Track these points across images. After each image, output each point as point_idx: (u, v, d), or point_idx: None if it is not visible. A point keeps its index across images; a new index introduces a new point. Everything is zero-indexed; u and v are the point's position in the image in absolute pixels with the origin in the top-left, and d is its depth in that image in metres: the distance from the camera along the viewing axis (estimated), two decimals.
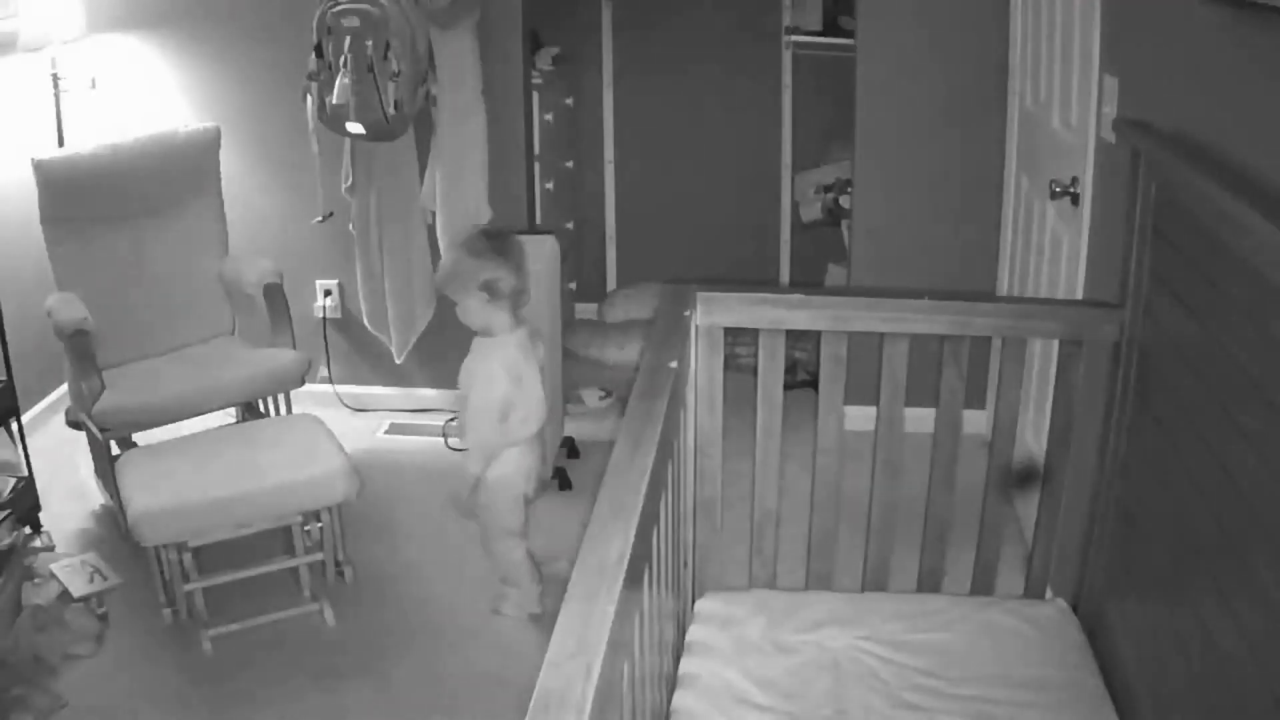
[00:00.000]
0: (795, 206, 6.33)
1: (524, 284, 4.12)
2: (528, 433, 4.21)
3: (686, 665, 3.09)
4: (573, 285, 6.56)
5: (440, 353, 5.72)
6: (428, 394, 6.04)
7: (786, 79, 6.31)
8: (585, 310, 6.82)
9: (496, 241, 4.11)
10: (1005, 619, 3.21)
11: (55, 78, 5.67)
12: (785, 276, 6.54)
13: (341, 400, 6.06)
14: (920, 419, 3.44)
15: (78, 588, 4.61)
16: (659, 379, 2.88)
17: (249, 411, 5.46)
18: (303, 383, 5.13)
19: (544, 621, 4.23)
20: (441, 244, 5.36)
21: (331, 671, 4.21)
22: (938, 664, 3.01)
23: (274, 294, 5.13)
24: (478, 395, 4.11)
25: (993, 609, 3.27)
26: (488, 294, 4.03)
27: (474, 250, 4.08)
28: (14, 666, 4.23)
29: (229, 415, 5.55)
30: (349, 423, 5.90)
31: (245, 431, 4.86)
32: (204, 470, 4.35)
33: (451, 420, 4.43)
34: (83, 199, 5.19)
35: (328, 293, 6.02)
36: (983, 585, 3.46)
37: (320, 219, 5.66)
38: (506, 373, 4.09)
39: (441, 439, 5.80)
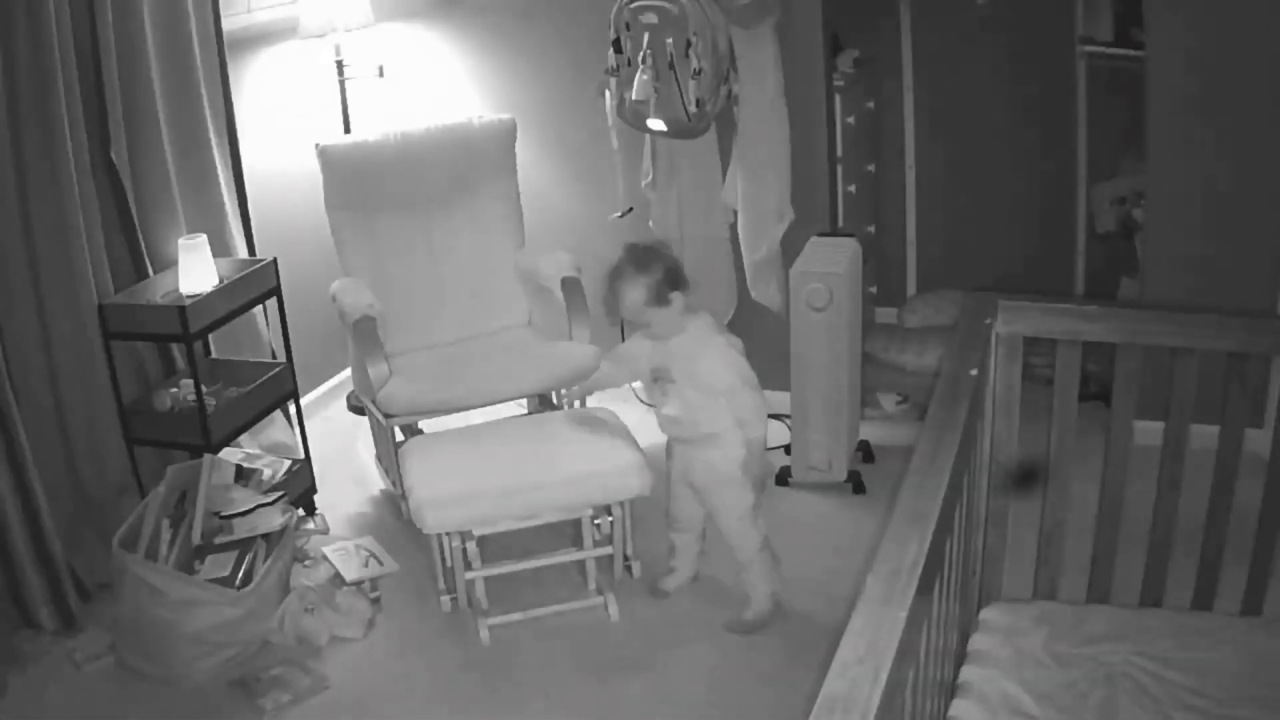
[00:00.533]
0: (1090, 217, 6.22)
1: (681, 271, 4.13)
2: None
3: (966, 674, 3.06)
4: (873, 289, 6.52)
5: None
6: None
7: (1080, 88, 6.19)
8: (884, 314, 6.76)
9: (636, 255, 4.09)
10: (1273, 641, 3.12)
11: (340, 65, 5.81)
12: (1079, 287, 6.42)
13: (636, 395, 6.05)
14: (1205, 436, 3.36)
15: (350, 572, 4.73)
16: (959, 386, 2.86)
17: (542, 404, 5.52)
18: None
19: (828, 626, 4.22)
20: (743, 243, 5.38)
21: (610, 666, 4.23)
22: (1206, 683, 2.93)
23: (572, 288, 5.16)
24: (733, 371, 4.11)
25: (1262, 631, 3.19)
26: (658, 300, 4.04)
27: (625, 274, 4.05)
28: (277, 646, 4.37)
29: (520, 406, 5.61)
30: (643, 418, 5.90)
31: (536, 422, 4.86)
32: (492, 459, 4.39)
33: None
34: (370, 186, 5.32)
35: None
36: (1252, 605, 3.38)
37: (620, 214, 5.72)
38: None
39: None
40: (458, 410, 5.09)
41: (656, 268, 4.04)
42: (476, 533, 4.29)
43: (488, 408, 5.17)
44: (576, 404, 4.85)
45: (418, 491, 4.21)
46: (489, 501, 4.24)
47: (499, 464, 4.36)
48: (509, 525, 4.34)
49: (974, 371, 2.95)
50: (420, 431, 5.25)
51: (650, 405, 4.43)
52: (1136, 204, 5.64)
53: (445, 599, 4.50)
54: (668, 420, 4.29)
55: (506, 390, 5.08)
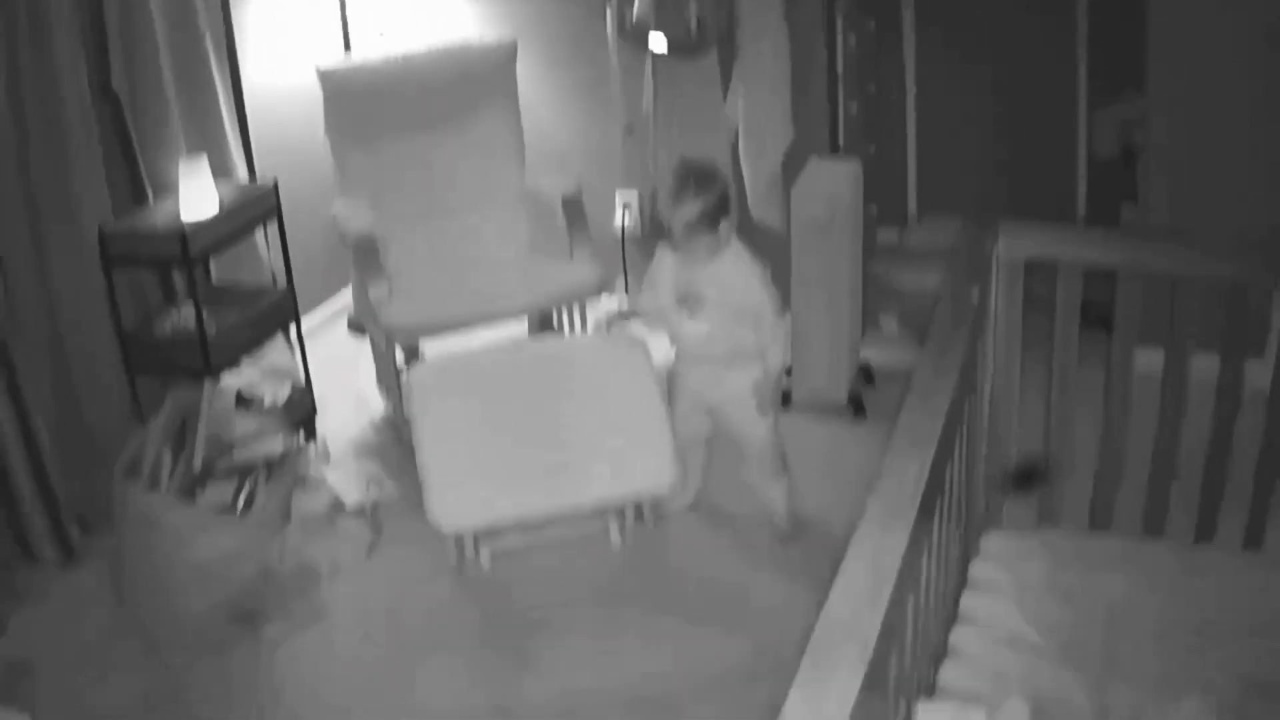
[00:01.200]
0: (1091, 142, 6.18)
1: (730, 197, 4.17)
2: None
3: (967, 602, 3.07)
4: (874, 210, 6.49)
5: None
6: None
7: (1081, 12, 6.12)
8: (885, 236, 6.74)
9: (700, 173, 4.08)
10: (1275, 576, 3.12)
11: None
12: (1080, 212, 6.39)
13: None
14: (1206, 366, 3.35)
15: (351, 496, 4.74)
16: (960, 309, 2.85)
17: (543, 324, 5.51)
18: (599, 295, 5.13)
19: (829, 549, 4.22)
20: (743, 163, 5.37)
21: (612, 592, 4.24)
22: (1206, 617, 2.94)
23: (573, 207, 5.12)
24: (768, 297, 4.14)
25: (1262, 565, 3.20)
26: (712, 223, 4.04)
27: (687, 191, 4.02)
28: (279, 574, 4.36)
29: (520, 323, 5.57)
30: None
31: (556, 369, 4.48)
32: (514, 467, 4.16)
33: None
34: (370, 108, 5.28)
35: (626, 206, 6.06)
36: (1254, 539, 3.37)
37: (622, 133, 5.72)
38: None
39: None
40: (458, 329, 5.04)
41: (716, 190, 4.05)
42: None
43: (490, 340, 5.07)
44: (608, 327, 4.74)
45: (435, 494, 4.07)
46: (511, 518, 4.17)
47: (521, 476, 4.14)
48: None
49: (975, 294, 2.94)
50: (420, 353, 5.21)
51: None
52: (1138, 129, 5.60)
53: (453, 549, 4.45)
54: (697, 339, 4.25)
55: (507, 308, 5.05)
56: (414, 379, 4.38)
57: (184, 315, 4.76)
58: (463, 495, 4.07)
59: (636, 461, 4.17)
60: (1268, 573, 3.12)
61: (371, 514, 4.66)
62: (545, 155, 5.84)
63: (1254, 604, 2.98)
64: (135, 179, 4.77)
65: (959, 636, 2.92)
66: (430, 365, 4.56)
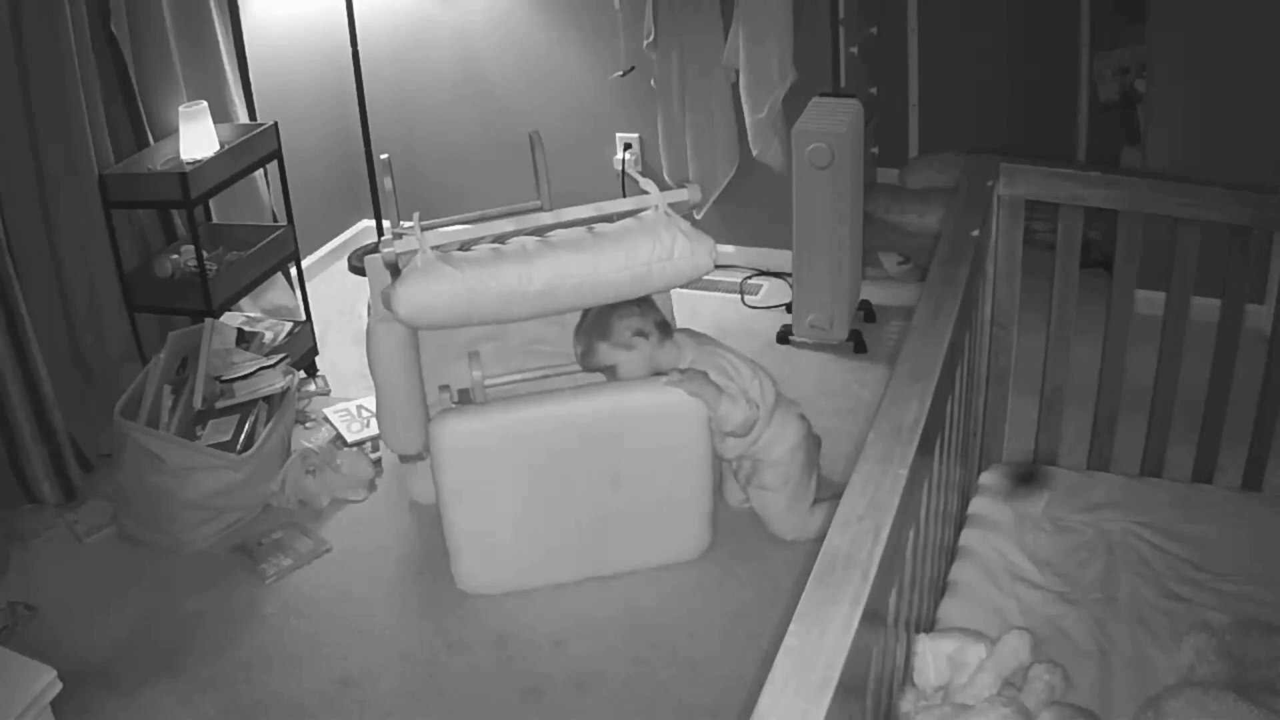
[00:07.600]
0: (1093, 86, 6.16)
1: (659, 314, 3.93)
2: (771, 401, 3.97)
3: (967, 537, 3.07)
4: (875, 150, 6.48)
5: (740, 209, 5.73)
6: (726, 250, 5.99)
7: None
8: (886, 175, 6.74)
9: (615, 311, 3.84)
10: (1274, 517, 3.12)
11: None
12: (1081, 156, 6.37)
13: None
14: (1206, 308, 3.34)
15: (351, 433, 4.76)
16: (961, 247, 2.84)
17: None
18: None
19: (830, 484, 4.24)
20: (745, 102, 5.36)
21: None
22: (1206, 557, 2.95)
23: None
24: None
25: (1262, 506, 3.19)
26: (644, 339, 3.83)
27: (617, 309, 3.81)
28: (279, 510, 4.40)
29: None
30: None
31: (600, 431, 3.81)
32: (545, 541, 3.93)
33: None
34: None
35: (628, 146, 6.03)
36: (1253, 481, 3.38)
37: (621, 73, 5.73)
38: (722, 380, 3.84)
39: (739, 296, 5.83)
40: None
41: (630, 312, 3.84)
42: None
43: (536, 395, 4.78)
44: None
45: (460, 561, 3.93)
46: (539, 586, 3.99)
47: (552, 548, 3.95)
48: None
49: (975, 232, 2.93)
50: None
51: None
52: (1139, 74, 5.59)
53: None
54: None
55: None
56: (442, 438, 3.74)
57: (184, 255, 4.75)
58: (489, 562, 3.94)
59: (673, 534, 4.02)
60: (1267, 514, 3.12)
61: (371, 449, 4.68)
62: (547, 94, 5.90)
63: (1254, 546, 2.98)
64: (135, 121, 4.76)
65: (959, 572, 2.93)
66: (460, 423, 3.75)
